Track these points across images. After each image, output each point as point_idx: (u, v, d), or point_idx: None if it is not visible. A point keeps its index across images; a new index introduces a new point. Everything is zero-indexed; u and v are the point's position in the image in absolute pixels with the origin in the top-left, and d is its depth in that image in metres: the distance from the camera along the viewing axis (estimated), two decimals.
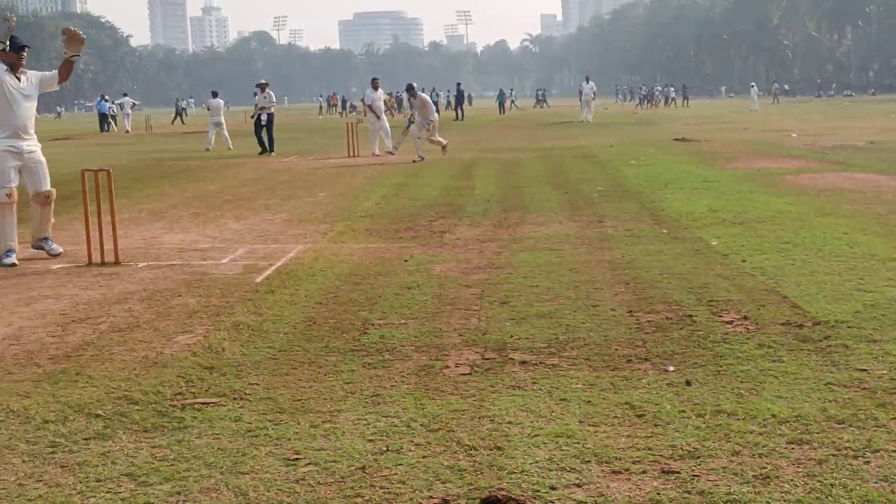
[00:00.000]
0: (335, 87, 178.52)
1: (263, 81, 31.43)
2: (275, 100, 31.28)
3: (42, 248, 10.90)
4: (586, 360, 6.06)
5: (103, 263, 10.16)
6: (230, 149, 32.33)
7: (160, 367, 6.14)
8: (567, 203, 14.41)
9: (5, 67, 10.55)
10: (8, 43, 10.50)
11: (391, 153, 26.69)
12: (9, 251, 10.49)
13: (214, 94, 35.95)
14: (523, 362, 6.05)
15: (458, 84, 69.44)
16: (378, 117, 28.38)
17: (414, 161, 23.79)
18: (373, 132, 28.30)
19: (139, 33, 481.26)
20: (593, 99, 51.96)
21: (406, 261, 9.86)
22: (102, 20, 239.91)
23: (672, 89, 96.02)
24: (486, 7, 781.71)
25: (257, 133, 30.14)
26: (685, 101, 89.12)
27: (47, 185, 10.97)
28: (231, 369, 6.06)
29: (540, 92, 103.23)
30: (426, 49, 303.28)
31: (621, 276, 8.76)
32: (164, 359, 6.34)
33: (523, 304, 7.66)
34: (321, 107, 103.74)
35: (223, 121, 34.29)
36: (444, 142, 25.83)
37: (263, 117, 30.03)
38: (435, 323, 7.13)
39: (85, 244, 10.48)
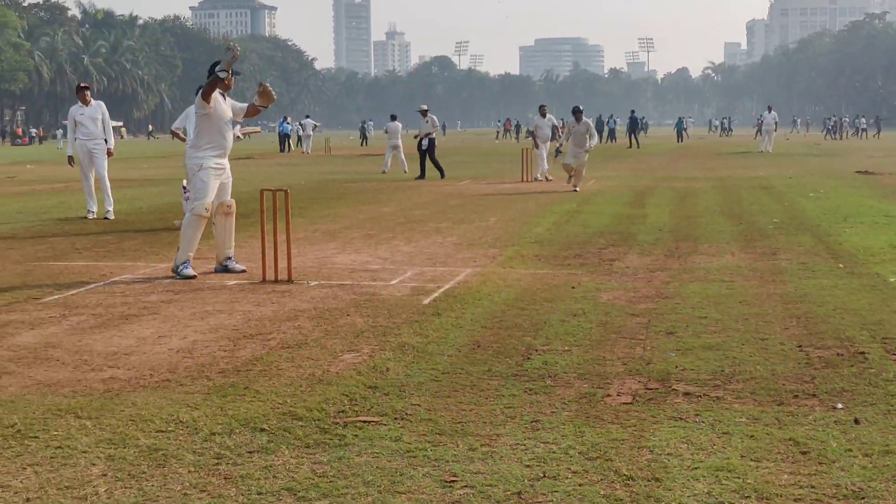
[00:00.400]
0: (514, 112, 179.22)
1: (424, 108, 31.85)
2: (437, 124, 31.59)
3: (226, 269, 11.25)
4: (752, 393, 5.95)
5: (277, 281, 10.39)
6: (405, 171, 32.70)
7: (325, 385, 6.24)
8: (741, 234, 14.17)
9: (219, 91, 11.04)
10: (231, 73, 11.00)
11: (540, 179, 27.08)
12: (186, 262, 10.89)
13: (393, 118, 36.40)
14: (687, 394, 5.97)
15: (632, 111, 69.10)
16: (536, 146, 28.61)
17: (575, 189, 23.45)
18: (540, 158, 28.33)
19: (324, 56, 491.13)
20: (774, 129, 51.05)
21: (573, 288, 9.83)
22: (289, 43, 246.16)
23: (863, 120, 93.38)
24: (668, 35, 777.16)
25: (421, 158, 30.55)
26: (878, 133, 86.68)
27: (229, 197, 11.33)
28: (394, 389, 6.13)
29: (725, 120, 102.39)
30: (606, 76, 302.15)
31: (793, 309, 8.57)
32: (330, 376, 6.45)
33: (690, 335, 7.56)
34: (498, 132, 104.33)
35: (400, 144, 34.71)
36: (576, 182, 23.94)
37: (424, 142, 30.36)
38: (599, 351, 7.09)
39: (260, 261, 10.74)
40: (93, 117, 17.87)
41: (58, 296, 9.72)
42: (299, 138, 64.04)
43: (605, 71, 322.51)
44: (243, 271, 11.14)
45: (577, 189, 23.37)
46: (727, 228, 14.93)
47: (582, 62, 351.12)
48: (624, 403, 5.80)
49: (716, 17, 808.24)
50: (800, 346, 7.13)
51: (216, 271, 11.25)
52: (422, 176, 29.76)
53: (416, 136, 31.78)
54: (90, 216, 17.78)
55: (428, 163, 30.24)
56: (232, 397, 5.99)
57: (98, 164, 17.89)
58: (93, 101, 18.09)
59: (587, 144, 23.95)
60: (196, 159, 11.08)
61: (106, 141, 17.99)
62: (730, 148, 57.16)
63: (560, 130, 29.75)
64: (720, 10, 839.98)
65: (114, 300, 9.46)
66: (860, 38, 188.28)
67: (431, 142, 30.43)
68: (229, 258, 11.30)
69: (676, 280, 10.26)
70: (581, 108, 25.84)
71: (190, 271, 10.84)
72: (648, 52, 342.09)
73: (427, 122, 30.89)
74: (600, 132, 76.98)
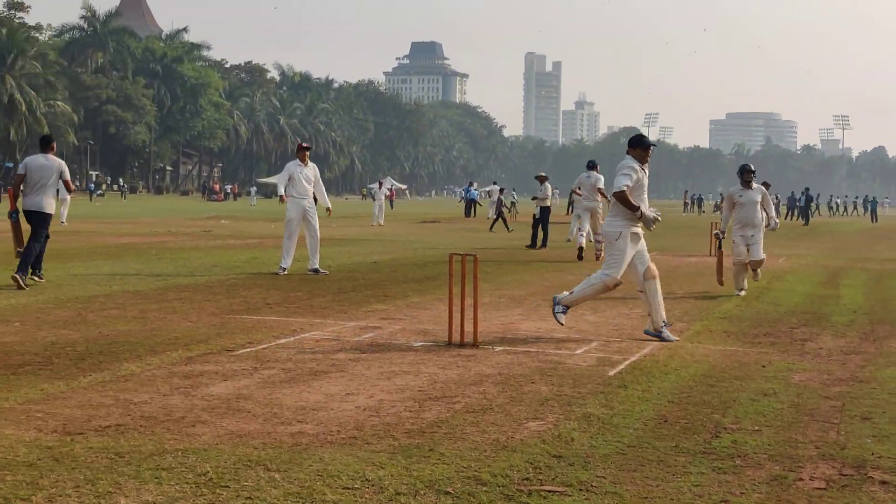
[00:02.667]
0: (702, 186, 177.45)
1: (542, 174, 30.76)
2: (549, 192, 30.54)
3: (660, 335, 11.22)
4: None
5: (462, 345, 10.42)
6: (591, 241, 32.56)
7: (509, 451, 6.21)
8: None
9: (639, 164, 11.35)
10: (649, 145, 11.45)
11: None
12: (663, 325, 11.24)
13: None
14: (884, 482, 5.75)
15: (807, 189, 67.74)
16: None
17: (739, 292, 16.45)
18: None
19: (512, 124, 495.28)
20: None
21: (764, 366, 9.60)
22: (479, 110, 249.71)
23: None
24: (866, 112, 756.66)
25: (533, 226, 29.49)
26: None
27: (649, 262, 11.64)
28: (579, 460, 6.06)
29: None
30: (799, 152, 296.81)
31: None
32: (514, 443, 6.42)
33: (887, 422, 7.29)
34: (686, 204, 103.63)
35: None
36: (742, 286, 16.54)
37: (536, 210, 29.36)
38: (790, 433, 6.89)
39: (447, 325, 10.79)
40: (308, 178, 18.45)
41: (250, 349, 9.95)
42: (478, 205, 63.85)
43: (798, 147, 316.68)
44: (675, 340, 11.07)
45: (743, 292, 16.29)
46: None
47: (774, 137, 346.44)
48: (817, 489, 5.61)
49: None
50: None
51: (646, 333, 11.36)
52: (532, 245, 28.87)
53: (533, 199, 30.54)
54: (282, 273, 18.15)
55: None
56: (417, 458, 6.01)
57: (314, 223, 18.44)
58: (310, 162, 18.66)
59: (762, 221, 16.77)
60: (616, 227, 11.24)
61: (316, 200, 18.62)
62: None
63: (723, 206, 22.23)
64: None
65: (303, 356, 9.63)
66: None
67: (545, 210, 29.33)
68: (666, 324, 11.30)
69: (872, 364, 9.93)
70: (752, 167, 17.03)
71: (668, 334, 11.15)
72: (843, 129, 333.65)
73: (542, 189, 29.77)
74: (791, 210, 75.37)
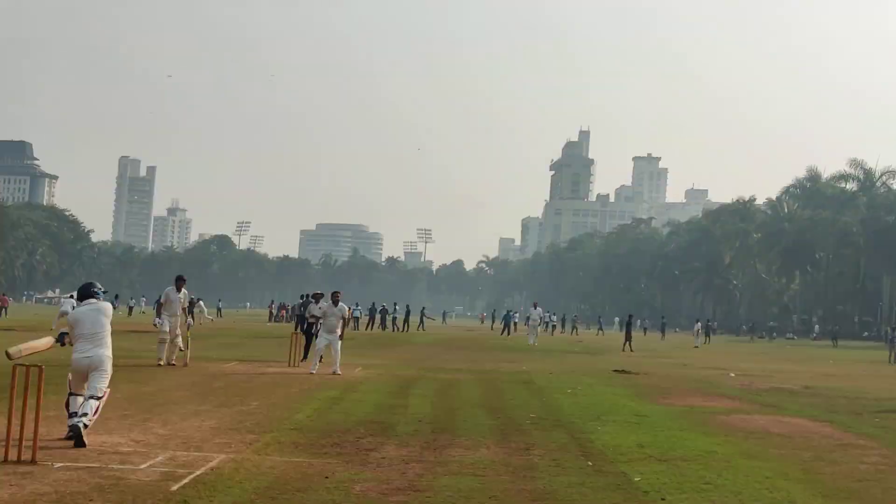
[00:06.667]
0: (290, 295, 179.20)
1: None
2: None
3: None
4: None
5: (19, 461, 10.02)
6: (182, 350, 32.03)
7: None
8: (498, 428, 14.43)
9: None
10: None
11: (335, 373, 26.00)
12: None
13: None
14: None
15: (373, 303, 70.78)
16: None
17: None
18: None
19: (102, 229, 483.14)
20: (539, 324, 52.84)
21: (327, 477, 9.83)
22: (66, 213, 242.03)
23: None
24: (446, 227, 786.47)
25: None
26: (663, 335, 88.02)
27: None
28: None
29: (549, 314, 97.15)
30: (383, 264, 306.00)
31: None
32: None
33: None
34: (271, 313, 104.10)
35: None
36: None
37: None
38: None
39: (4, 439, 10.35)
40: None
41: None
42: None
43: (383, 259, 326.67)
44: None
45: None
46: (485, 422, 15.18)
47: (361, 249, 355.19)
48: None
49: (493, 213, 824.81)
50: None
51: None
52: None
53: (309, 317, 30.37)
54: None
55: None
56: None
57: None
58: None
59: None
60: None
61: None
62: (498, 342, 58.32)
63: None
64: (497, 206, 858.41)
65: None
66: (627, 242, 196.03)
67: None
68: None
69: (430, 473, 10.37)
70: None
71: None
72: (426, 242, 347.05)
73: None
74: (373, 319, 77.79)
